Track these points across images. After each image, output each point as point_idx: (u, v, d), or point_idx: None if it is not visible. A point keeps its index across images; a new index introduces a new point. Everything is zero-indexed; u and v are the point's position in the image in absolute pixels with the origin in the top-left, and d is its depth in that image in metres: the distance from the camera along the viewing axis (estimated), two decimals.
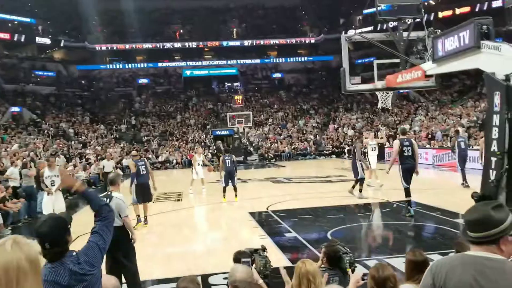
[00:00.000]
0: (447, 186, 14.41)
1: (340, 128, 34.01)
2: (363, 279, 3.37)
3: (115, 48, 45.05)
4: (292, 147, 30.95)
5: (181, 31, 48.44)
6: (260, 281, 3.39)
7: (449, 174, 15.85)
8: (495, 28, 5.40)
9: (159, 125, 37.39)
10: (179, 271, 6.46)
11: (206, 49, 47.77)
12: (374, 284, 2.91)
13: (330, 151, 30.52)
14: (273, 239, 8.13)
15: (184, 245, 8.37)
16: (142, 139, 34.73)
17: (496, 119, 4.78)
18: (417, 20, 8.94)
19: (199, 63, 46.32)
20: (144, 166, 9.95)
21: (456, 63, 5.92)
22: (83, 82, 44.18)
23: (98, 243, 2.58)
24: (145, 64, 46.50)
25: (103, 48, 44.54)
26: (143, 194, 9.76)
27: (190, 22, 48.12)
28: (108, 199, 5.47)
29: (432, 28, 7.95)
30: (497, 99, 4.78)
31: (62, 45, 44.06)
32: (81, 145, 29.53)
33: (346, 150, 29.54)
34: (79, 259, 2.40)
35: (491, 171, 4.79)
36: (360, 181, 11.90)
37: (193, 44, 46.15)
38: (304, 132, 34.60)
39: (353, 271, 3.67)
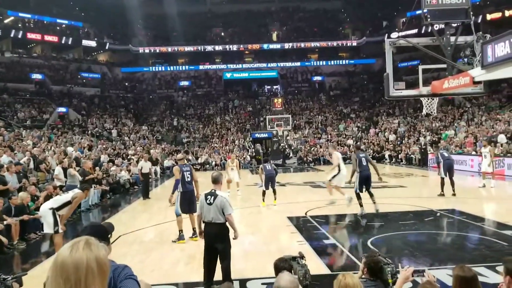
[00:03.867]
0: (492, 195, 13.81)
1: (381, 133, 33.31)
2: (413, 276, 3.29)
3: (157, 50, 46.30)
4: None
5: (222, 34, 49.09)
6: None
7: (495, 182, 15.18)
8: None
9: (199, 127, 38.01)
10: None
11: (246, 52, 48.17)
12: (459, 284, 2.96)
13: (370, 156, 29.89)
14: (312, 245, 8.08)
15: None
16: (183, 140, 35.43)
17: None
18: (465, 24, 8.65)
19: (239, 66, 46.77)
20: (189, 172, 8.95)
21: (508, 69, 5.68)
22: (126, 84, 45.64)
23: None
24: (187, 67, 47.44)
25: (146, 50, 45.89)
26: (189, 204, 8.72)
27: (231, 26, 48.69)
28: (212, 197, 5.76)
29: (481, 32, 7.67)
30: None
31: (107, 47, 45.77)
32: (124, 145, 30.50)
33: (387, 155, 28.93)
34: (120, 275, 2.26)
35: None
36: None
37: (234, 47, 46.66)
38: (344, 136, 34.15)
39: (394, 283, 3.58)
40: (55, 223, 7.56)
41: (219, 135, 35.88)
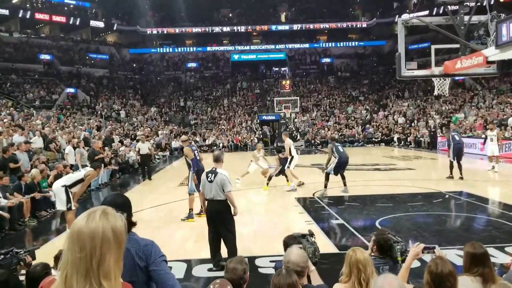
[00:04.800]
0: (500, 178, 13.73)
1: (390, 116, 33.07)
2: (423, 253, 3.29)
3: (165, 32, 46.00)
4: (340, 134, 30.49)
5: (230, 15, 48.59)
6: (312, 268, 3.38)
7: (506, 165, 15.09)
8: None
9: (206, 108, 37.98)
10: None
11: (254, 33, 47.72)
12: (431, 280, 2.78)
13: (379, 139, 29.81)
14: (320, 225, 8.12)
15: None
16: (190, 122, 35.47)
17: None
18: (479, 3, 8.46)
19: (247, 47, 46.38)
20: (197, 151, 9.24)
21: None
22: (134, 65, 45.54)
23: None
24: (194, 48, 47.16)
25: (154, 32, 45.59)
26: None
27: (238, 6, 48.11)
28: (213, 175, 5.91)
29: (495, 12, 7.50)
30: None
31: (115, 28, 45.54)
32: (132, 126, 30.61)
33: (396, 138, 28.79)
34: (137, 245, 2.35)
35: None
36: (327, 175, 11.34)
37: (242, 28, 46.21)
38: (353, 118, 33.96)
39: (403, 261, 3.58)
40: (68, 200, 7.67)
41: (227, 117, 35.85)
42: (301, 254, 3.08)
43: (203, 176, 6.13)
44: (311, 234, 4.82)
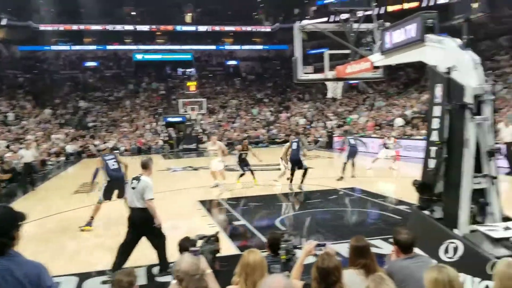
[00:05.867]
0: (390, 174, 14.97)
1: (292, 117, 34.44)
2: (315, 250, 3.40)
3: (61, 28, 42.86)
4: (246, 135, 30.95)
5: (133, 13, 46.90)
6: (208, 271, 3.34)
7: (393, 163, 16.51)
8: (440, 23, 5.58)
9: (107, 110, 36.14)
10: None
11: (158, 33, 46.60)
12: (318, 274, 2.88)
13: (282, 139, 30.82)
14: (222, 227, 8.11)
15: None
16: (88, 124, 33.43)
17: (437, 110, 4.96)
18: (368, 13, 9.11)
19: (151, 47, 45.13)
20: (114, 160, 8.77)
21: (403, 55, 6.07)
22: (25, 63, 41.74)
23: None
24: (94, 47, 44.73)
25: (49, 28, 42.24)
26: (117, 190, 8.58)
27: (142, 5, 46.55)
28: (136, 182, 5.76)
29: (381, 20, 8.13)
30: (438, 91, 4.95)
31: (3, 23, 41.32)
32: (22, 130, 27.97)
33: None
34: (25, 268, 2.09)
35: (430, 160, 4.98)
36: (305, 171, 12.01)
37: (145, 28, 44.86)
38: (258, 120, 34.72)
39: (289, 260, 3.73)
40: None
41: (129, 119, 34.42)
42: (192, 262, 3.00)
43: (129, 182, 5.99)
44: (211, 236, 4.79)
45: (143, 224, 5.74)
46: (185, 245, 4.42)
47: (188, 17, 48.09)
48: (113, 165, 8.72)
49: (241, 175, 12.82)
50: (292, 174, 11.99)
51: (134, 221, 5.79)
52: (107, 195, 8.57)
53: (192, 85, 37.19)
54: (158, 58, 44.24)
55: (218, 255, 4.90)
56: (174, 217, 9.43)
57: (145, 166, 5.98)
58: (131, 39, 46.09)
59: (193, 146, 29.11)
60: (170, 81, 42.31)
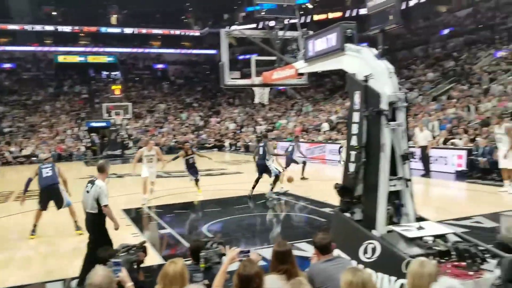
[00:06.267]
0: (316, 177, 15.44)
1: (222, 122, 34.41)
2: (239, 257, 3.36)
3: None
4: (174, 140, 30.39)
5: (54, 13, 44.35)
6: (129, 284, 3.20)
7: (319, 166, 17.12)
8: (361, 33, 5.83)
9: (25, 115, 33.66)
10: (39, 275, 5.94)
11: (81, 34, 44.52)
12: (239, 281, 2.86)
13: (212, 144, 30.68)
14: (147, 236, 7.83)
15: (48, 246, 7.60)
16: (4, 130, 30.89)
17: (355, 116, 5.16)
18: (293, 21, 9.33)
19: (73, 48, 42.91)
20: (49, 169, 8.34)
21: (325, 63, 6.27)
22: None
23: None
24: (10, 47, 41.75)
25: None
26: (52, 199, 8.22)
27: (64, 5, 44.14)
28: (91, 186, 5.56)
29: (305, 29, 8.37)
30: (357, 98, 5.17)
31: None
32: None
33: (227, 144, 30.05)
34: None
35: (350, 164, 5.17)
36: (276, 177, 11.47)
37: (67, 28, 42.63)
38: (187, 125, 34.26)
39: (209, 268, 3.69)
40: None
41: (49, 124, 32.32)
42: (104, 275, 2.83)
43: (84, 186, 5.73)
44: (133, 247, 4.60)
45: (89, 228, 5.72)
46: (104, 256, 4.19)
47: (114, 19, 46.43)
48: (47, 173, 8.29)
49: (197, 181, 12.12)
50: (256, 182, 11.38)
51: (88, 226, 5.76)
52: (42, 205, 8.16)
53: (117, 89, 35.82)
54: (81, 60, 42.25)
55: (142, 265, 4.74)
56: None
57: (101, 169, 5.77)
58: (51, 40, 43.53)
59: (118, 152, 28.01)
60: (94, 84, 40.46)
